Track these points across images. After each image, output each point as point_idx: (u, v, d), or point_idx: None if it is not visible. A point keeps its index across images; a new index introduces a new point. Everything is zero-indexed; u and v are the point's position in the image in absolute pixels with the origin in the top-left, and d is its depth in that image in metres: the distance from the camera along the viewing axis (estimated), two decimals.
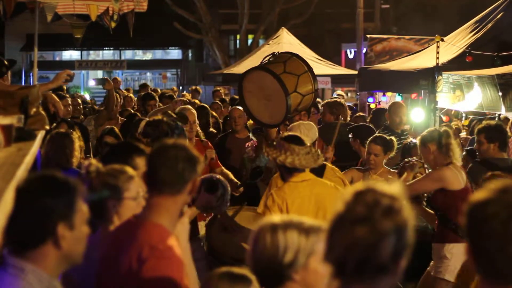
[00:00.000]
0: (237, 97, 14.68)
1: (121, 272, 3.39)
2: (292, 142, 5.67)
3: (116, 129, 8.36)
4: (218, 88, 18.57)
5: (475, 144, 7.67)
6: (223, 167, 7.93)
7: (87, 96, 24.00)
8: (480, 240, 2.23)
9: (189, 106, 8.55)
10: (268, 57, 7.70)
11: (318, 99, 11.51)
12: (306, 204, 5.61)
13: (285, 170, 5.75)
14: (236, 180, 7.74)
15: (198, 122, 8.01)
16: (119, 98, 11.22)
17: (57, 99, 6.18)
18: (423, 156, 6.83)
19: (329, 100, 10.65)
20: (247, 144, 8.82)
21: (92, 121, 10.07)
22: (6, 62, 6.98)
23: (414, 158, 7.40)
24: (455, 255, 6.40)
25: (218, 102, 13.46)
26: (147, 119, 6.17)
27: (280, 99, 7.27)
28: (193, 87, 18.81)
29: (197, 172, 3.51)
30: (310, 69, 7.53)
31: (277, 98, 7.31)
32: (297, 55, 7.65)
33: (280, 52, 8.01)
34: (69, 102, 10.49)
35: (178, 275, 3.37)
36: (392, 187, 2.30)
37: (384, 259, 2.22)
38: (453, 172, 6.55)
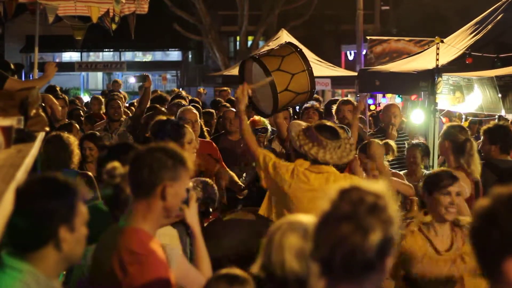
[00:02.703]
0: (234, 98, 14.66)
1: (105, 279, 3.36)
2: (323, 134, 5.59)
3: (98, 134, 8.26)
4: (225, 88, 18.26)
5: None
6: (228, 169, 7.88)
7: (87, 98, 24.01)
8: (483, 245, 2.25)
9: (189, 107, 8.53)
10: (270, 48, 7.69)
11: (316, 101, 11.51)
12: (310, 196, 5.51)
13: (310, 161, 5.67)
14: (240, 183, 7.71)
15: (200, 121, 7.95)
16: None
17: (55, 101, 6.19)
18: (439, 144, 6.79)
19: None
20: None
21: (129, 122, 9.95)
22: (12, 66, 7.01)
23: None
24: None
25: (228, 104, 13.20)
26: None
27: (269, 94, 7.26)
28: (201, 89, 18.74)
29: (169, 176, 3.41)
30: (309, 68, 7.47)
31: (267, 93, 7.31)
32: (300, 51, 7.58)
33: (285, 42, 7.96)
34: (64, 103, 10.48)
35: (163, 280, 3.34)
36: (377, 185, 2.32)
37: (370, 256, 2.23)
38: None
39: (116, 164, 3.81)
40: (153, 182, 3.40)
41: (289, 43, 7.82)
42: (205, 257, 3.86)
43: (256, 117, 8.80)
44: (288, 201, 5.69)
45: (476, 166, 6.64)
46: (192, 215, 3.77)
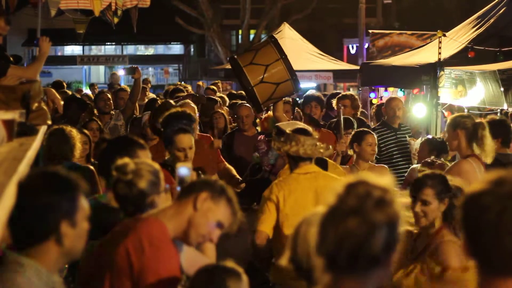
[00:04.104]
0: (235, 92, 14.66)
1: (117, 260, 3.40)
2: (298, 133, 5.81)
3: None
4: (214, 83, 17.94)
5: None
6: (226, 163, 7.90)
7: (89, 91, 23.98)
8: (475, 232, 2.23)
9: (188, 101, 8.51)
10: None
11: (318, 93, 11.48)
12: (304, 196, 5.75)
13: (291, 161, 5.89)
14: (238, 177, 7.72)
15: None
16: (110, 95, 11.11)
17: (57, 95, 6.16)
18: (449, 137, 6.72)
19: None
20: (259, 137, 8.85)
21: (121, 115, 9.86)
22: (11, 58, 7.00)
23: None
24: None
25: (218, 99, 12.77)
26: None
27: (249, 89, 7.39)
28: (199, 82, 18.49)
29: (210, 192, 3.53)
30: (283, 56, 7.48)
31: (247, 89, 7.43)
32: (274, 41, 7.62)
33: (267, 37, 8.09)
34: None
35: (174, 269, 3.42)
36: (384, 179, 2.30)
37: (376, 251, 2.23)
38: (471, 166, 6.46)
39: (127, 160, 3.85)
40: (192, 187, 3.56)
41: (269, 36, 7.91)
42: (210, 251, 3.88)
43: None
44: (286, 210, 5.85)
45: (489, 148, 6.57)
46: None
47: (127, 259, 3.36)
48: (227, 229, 3.62)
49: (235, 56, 7.62)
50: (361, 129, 8.00)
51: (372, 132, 7.65)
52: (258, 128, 9.34)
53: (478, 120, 6.92)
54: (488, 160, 6.58)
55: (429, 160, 6.96)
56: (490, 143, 6.57)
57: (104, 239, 3.59)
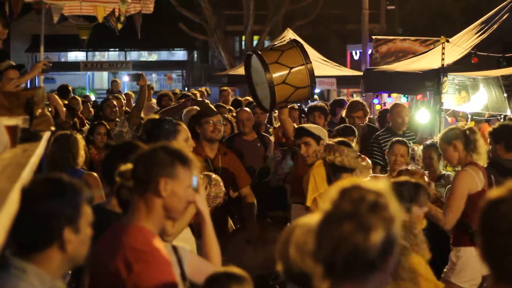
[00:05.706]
0: (241, 99, 14.66)
1: (109, 278, 3.34)
2: (342, 144, 5.92)
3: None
4: (225, 88, 17.96)
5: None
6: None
7: (93, 97, 24.02)
8: (493, 238, 2.22)
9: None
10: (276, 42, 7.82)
11: (321, 102, 11.51)
12: None
13: (332, 172, 5.91)
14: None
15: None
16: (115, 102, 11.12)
17: (59, 101, 6.15)
18: (447, 154, 6.66)
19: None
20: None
21: (126, 122, 9.87)
22: (13, 63, 7.04)
23: (411, 166, 7.25)
24: (462, 258, 6.34)
25: (232, 108, 12.40)
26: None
27: (266, 87, 7.39)
28: (203, 88, 18.50)
29: (164, 172, 3.38)
30: (308, 62, 7.53)
31: (265, 86, 7.42)
32: (300, 46, 7.67)
33: (289, 39, 8.10)
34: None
35: (168, 277, 3.35)
36: (378, 183, 2.30)
37: (372, 255, 2.22)
38: (470, 175, 6.42)
39: (130, 166, 3.82)
40: (147, 178, 3.39)
41: (293, 40, 7.93)
42: (214, 244, 3.86)
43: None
44: None
45: (483, 150, 6.56)
46: (201, 201, 3.77)
47: (118, 279, 3.30)
48: (197, 172, 3.55)
49: (259, 51, 7.63)
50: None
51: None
52: (272, 137, 9.38)
53: (466, 126, 6.92)
54: (484, 163, 6.58)
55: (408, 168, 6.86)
56: (482, 145, 6.58)
57: (96, 250, 3.53)
